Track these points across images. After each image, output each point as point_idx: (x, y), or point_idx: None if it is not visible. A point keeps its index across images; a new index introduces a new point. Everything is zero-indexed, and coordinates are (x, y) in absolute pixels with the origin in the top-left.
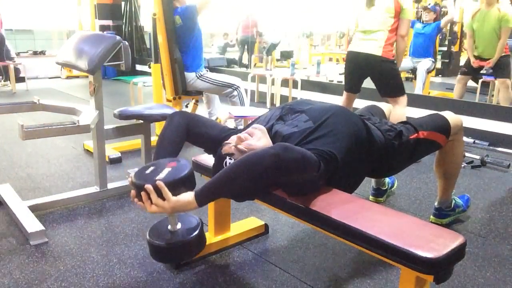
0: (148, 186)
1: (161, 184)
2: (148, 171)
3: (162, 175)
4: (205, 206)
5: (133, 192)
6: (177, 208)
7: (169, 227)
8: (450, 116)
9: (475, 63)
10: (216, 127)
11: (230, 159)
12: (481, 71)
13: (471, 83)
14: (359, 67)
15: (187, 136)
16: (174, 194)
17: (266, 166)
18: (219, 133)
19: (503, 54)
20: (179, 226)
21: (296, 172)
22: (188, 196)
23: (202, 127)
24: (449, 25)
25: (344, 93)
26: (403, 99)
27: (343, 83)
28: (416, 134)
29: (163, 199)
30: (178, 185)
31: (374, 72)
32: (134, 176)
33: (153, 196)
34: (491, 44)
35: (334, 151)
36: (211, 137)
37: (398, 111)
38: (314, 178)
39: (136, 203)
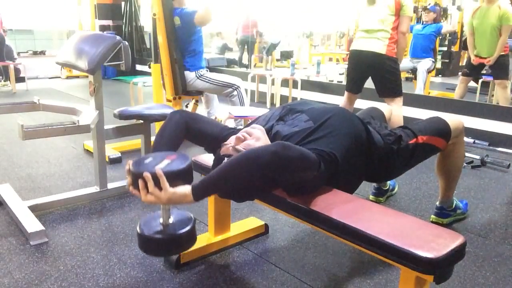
0: (147, 174)
1: (160, 172)
2: (146, 161)
3: (161, 165)
4: (205, 207)
5: (129, 179)
6: (173, 199)
7: (160, 220)
8: (450, 119)
9: (475, 60)
10: (217, 125)
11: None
12: (482, 72)
13: (471, 83)
14: (363, 66)
15: (186, 133)
16: (171, 186)
17: (265, 163)
18: (220, 132)
19: (502, 53)
20: (171, 220)
21: (294, 170)
22: (185, 189)
23: (202, 124)
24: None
25: (346, 93)
26: (400, 100)
27: (344, 83)
28: (415, 139)
29: (160, 188)
30: (176, 177)
31: (377, 71)
32: (132, 164)
33: (150, 184)
34: (490, 42)
35: (335, 152)
36: (211, 135)
37: (396, 113)
38: (314, 178)
39: (131, 192)
